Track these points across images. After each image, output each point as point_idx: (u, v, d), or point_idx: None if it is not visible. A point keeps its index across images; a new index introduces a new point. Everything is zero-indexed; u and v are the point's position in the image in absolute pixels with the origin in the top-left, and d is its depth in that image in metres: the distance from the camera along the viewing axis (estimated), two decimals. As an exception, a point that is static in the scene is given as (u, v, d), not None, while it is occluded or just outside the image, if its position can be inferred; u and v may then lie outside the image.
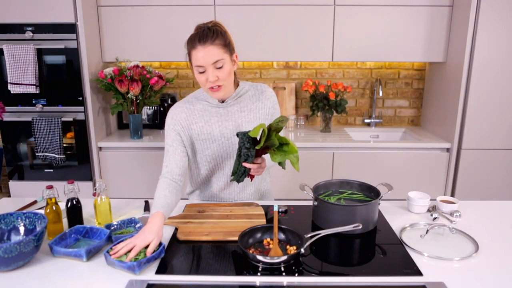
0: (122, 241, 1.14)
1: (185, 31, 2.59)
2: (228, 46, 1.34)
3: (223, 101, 1.47)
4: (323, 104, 2.76)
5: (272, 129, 1.29)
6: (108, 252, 1.11)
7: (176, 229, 1.34)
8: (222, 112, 1.47)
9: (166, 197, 1.33)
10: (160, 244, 1.15)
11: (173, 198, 1.36)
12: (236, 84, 1.48)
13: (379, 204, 1.36)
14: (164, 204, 1.30)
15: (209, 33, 1.30)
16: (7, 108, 2.49)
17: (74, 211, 1.31)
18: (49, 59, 2.45)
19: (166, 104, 2.96)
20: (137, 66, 2.51)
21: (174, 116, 1.46)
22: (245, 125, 1.48)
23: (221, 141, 1.47)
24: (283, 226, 1.25)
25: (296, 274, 1.07)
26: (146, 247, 1.11)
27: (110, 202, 1.37)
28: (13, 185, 2.63)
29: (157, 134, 2.80)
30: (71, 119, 2.51)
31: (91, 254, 1.14)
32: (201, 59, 1.30)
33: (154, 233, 1.15)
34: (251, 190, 1.62)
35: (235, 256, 1.17)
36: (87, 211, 1.47)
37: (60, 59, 2.45)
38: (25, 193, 2.63)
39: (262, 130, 1.27)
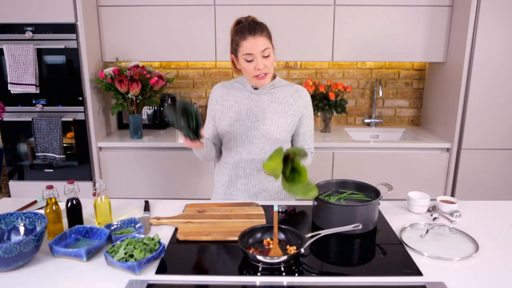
0: (122, 240, 1.14)
1: (185, 31, 2.62)
2: (271, 38, 1.49)
3: (256, 88, 1.58)
4: (323, 104, 2.76)
5: (290, 158, 1.26)
6: (108, 252, 1.11)
7: (176, 229, 1.34)
8: (253, 98, 1.58)
9: (208, 143, 1.59)
10: (160, 244, 1.15)
11: (210, 143, 1.61)
12: (273, 77, 1.59)
13: (379, 204, 1.36)
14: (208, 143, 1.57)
15: (256, 26, 1.45)
16: (7, 108, 2.49)
17: (74, 211, 1.31)
18: (49, 59, 2.45)
19: (166, 104, 2.96)
20: (137, 66, 2.51)
21: (214, 91, 1.64)
22: (271, 114, 1.55)
23: (244, 122, 1.56)
24: (283, 226, 1.25)
25: (296, 274, 1.07)
26: (146, 249, 1.12)
27: (110, 202, 1.37)
28: (13, 185, 2.64)
29: (157, 134, 2.80)
30: (71, 119, 2.51)
31: (91, 254, 1.14)
32: (252, 48, 1.43)
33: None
34: (271, 191, 1.64)
35: (235, 256, 1.17)
36: (87, 211, 1.47)
37: (60, 59, 2.45)
38: (25, 193, 2.63)
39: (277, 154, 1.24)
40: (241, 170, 1.61)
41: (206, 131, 1.66)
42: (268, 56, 1.46)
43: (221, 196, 1.69)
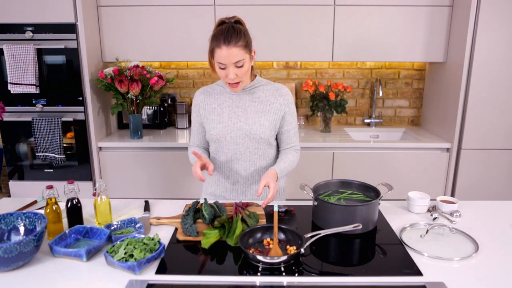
0: (122, 240, 1.14)
1: (185, 31, 2.62)
2: (249, 46, 1.45)
3: None
4: (323, 104, 2.76)
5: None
6: (108, 252, 1.11)
7: (176, 229, 1.34)
8: (234, 98, 1.58)
9: (200, 151, 1.64)
10: (160, 244, 1.15)
11: (206, 153, 1.66)
12: (253, 76, 1.59)
13: (379, 204, 1.36)
14: (200, 151, 1.62)
15: (233, 35, 1.39)
16: (7, 108, 2.49)
17: (74, 211, 1.31)
18: (49, 59, 2.45)
19: (166, 104, 2.96)
20: (137, 66, 2.51)
21: (196, 97, 1.65)
22: (253, 114, 1.55)
23: (227, 123, 1.56)
24: (283, 226, 1.25)
25: (296, 274, 1.07)
26: (146, 249, 1.12)
27: (110, 202, 1.37)
28: (13, 185, 2.63)
29: (157, 134, 2.80)
30: (71, 119, 2.51)
31: (91, 254, 1.14)
32: (224, 59, 1.41)
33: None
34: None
35: (235, 256, 1.17)
36: (87, 211, 1.47)
37: (60, 59, 2.45)
38: (25, 193, 2.63)
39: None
40: (228, 170, 1.62)
41: (195, 138, 1.68)
42: (241, 66, 1.43)
43: (211, 197, 1.70)
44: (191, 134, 1.71)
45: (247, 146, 1.57)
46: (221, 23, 1.46)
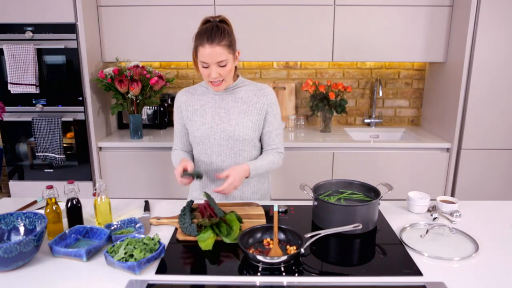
0: (122, 240, 1.14)
1: (185, 31, 2.62)
2: (232, 46, 1.44)
3: None
4: (323, 104, 2.76)
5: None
6: (108, 252, 1.11)
7: (176, 229, 1.34)
8: (217, 99, 1.56)
9: (184, 154, 1.62)
10: (160, 244, 1.15)
11: (187, 154, 1.64)
12: (236, 77, 1.57)
13: (379, 204, 1.36)
14: (184, 155, 1.61)
15: (217, 33, 1.39)
16: (7, 108, 2.49)
17: (74, 211, 1.31)
18: (49, 59, 2.45)
19: (166, 104, 2.96)
20: (137, 66, 2.51)
21: (178, 98, 1.62)
22: (236, 115, 1.54)
23: (210, 125, 1.54)
24: (283, 226, 1.25)
25: (296, 274, 1.07)
26: (146, 249, 1.12)
27: (110, 202, 1.37)
28: (13, 185, 2.63)
29: (157, 134, 2.80)
30: (71, 119, 2.51)
31: (91, 254, 1.14)
32: (207, 57, 1.40)
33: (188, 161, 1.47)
34: (250, 189, 1.63)
35: (235, 256, 1.17)
36: (87, 211, 1.47)
37: (60, 59, 2.45)
38: (25, 193, 2.63)
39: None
40: (213, 172, 1.59)
41: (179, 140, 1.65)
42: (224, 65, 1.42)
43: (197, 201, 1.67)
44: (174, 137, 1.67)
45: (231, 147, 1.55)
46: (206, 21, 1.45)
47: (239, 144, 1.54)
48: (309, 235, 1.20)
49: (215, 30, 1.39)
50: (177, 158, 1.59)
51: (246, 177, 1.48)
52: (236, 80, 1.56)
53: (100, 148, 2.59)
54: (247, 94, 1.56)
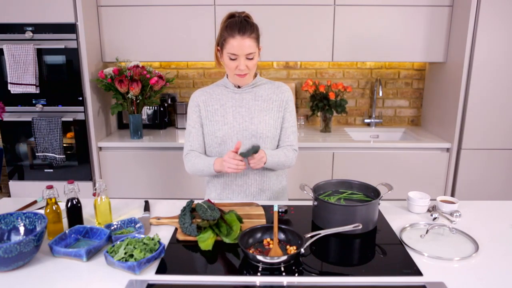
0: (122, 240, 1.14)
1: (185, 31, 2.62)
2: (259, 39, 1.49)
3: (239, 87, 1.57)
4: (323, 104, 2.76)
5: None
6: (108, 252, 1.11)
7: (176, 229, 1.34)
8: (237, 98, 1.57)
9: (204, 156, 1.56)
10: (160, 244, 1.15)
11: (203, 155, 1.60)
12: (255, 75, 1.60)
13: (379, 204, 1.36)
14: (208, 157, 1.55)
15: (247, 26, 1.43)
16: (7, 108, 2.49)
17: (74, 211, 1.31)
18: (49, 59, 2.45)
19: (166, 104, 2.96)
20: (137, 66, 2.51)
21: (195, 98, 1.60)
22: (257, 113, 1.55)
23: (232, 124, 1.55)
24: (283, 226, 1.25)
25: (296, 274, 1.07)
26: (146, 249, 1.12)
27: (110, 202, 1.37)
28: (13, 185, 2.63)
29: (157, 134, 2.80)
30: (71, 119, 2.51)
31: (91, 254, 1.14)
32: (237, 49, 1.42)
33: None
34: (269, 191, 1.64)
35: (235, 256, 1.17)
36: (87, 211, 1.47)
37: (60, 59, 2.45)
38: (25, 193, 2.63)
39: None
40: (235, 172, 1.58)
41: (195, 141, 1.59)
42: (252, 58, 1.45)
43: (216, 200, 1.67)
44: (190, 138, 1.60)
45: None
46: (231, 16, 1.48)
47: (261, 142, 1.55)
48: (309, 235, 1.20)
49: (244, 23, 1.43)
50: (201, 157, 1.55)
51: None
52: (255, 78, 1.59)
53: (100, 148, 2.59)
54: (266, 92, 1.58)
